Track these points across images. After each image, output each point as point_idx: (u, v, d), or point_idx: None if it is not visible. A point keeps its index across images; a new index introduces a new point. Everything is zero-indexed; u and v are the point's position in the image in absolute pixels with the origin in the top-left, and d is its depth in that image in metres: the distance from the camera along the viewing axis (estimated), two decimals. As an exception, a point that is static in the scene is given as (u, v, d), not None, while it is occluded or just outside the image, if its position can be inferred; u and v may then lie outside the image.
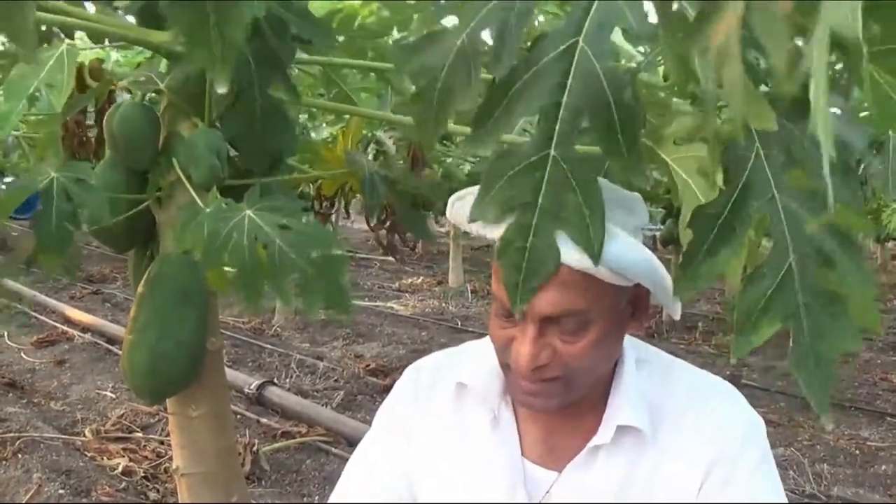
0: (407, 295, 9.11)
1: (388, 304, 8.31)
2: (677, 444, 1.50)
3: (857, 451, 4.78)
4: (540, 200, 1.03)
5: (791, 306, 1.05)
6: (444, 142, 5.96)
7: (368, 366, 5.72)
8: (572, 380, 1.42)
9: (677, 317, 1.55)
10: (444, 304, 8.43)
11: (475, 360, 1.62)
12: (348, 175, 2.58)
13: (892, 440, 4.95)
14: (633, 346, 1.57)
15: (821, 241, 1.04)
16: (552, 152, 1.00)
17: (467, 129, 1.04)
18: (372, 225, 2.85)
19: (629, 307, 1.45)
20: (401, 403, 1.70)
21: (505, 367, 1.46)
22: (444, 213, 8.35)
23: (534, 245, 1.06)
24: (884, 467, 4.58)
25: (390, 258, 11.44)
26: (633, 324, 1.48)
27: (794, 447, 4.58)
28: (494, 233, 1.41)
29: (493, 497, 1.55)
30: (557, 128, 0.98)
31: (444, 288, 9.49)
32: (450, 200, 1.50)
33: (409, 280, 10.14)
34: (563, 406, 1.48)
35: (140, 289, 2.14)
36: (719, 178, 1.01)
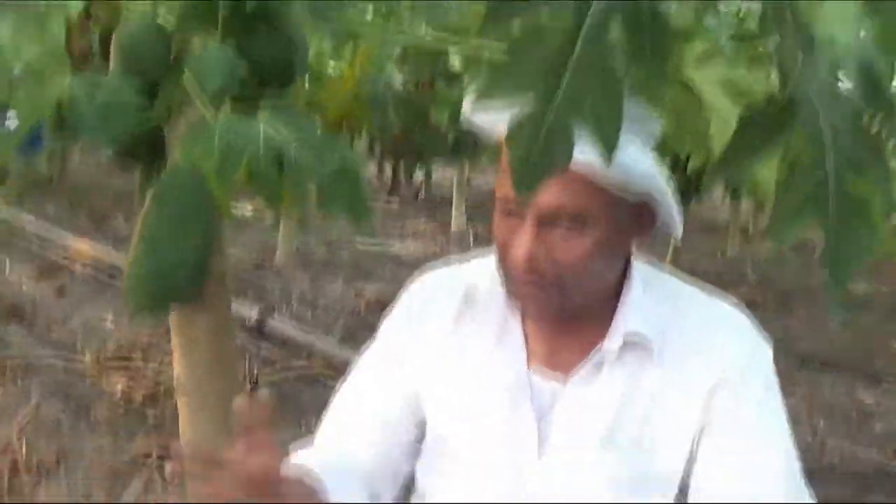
0: (409, 238, 9.10)
1: (390, 247, 8.31)
2: (682, 367, 1.51)
3: (853, 411, 4.81)
4: (560, 92, 1.02)
5: (825, 211, 1.06)
6: (451, 83, 5.96)
7: (369, 303, 5.74)
8: (568, 285, 1.43)
9: (679, 236, 1.56)
10: (445, 248, 8.42)
11: (481, 271, 1.63)
12: (356, 106, 2.58)
13: (888, 403, 4.98)
14: (642, 268, 1.58)
15: (854, 150, 1.05)
16: (579, 45, 0.99)
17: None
18: (378, 152, 2.85)
19: (633, 224, 1.46)
20: (405, 315, 1.70)
21: (505, 269, 1.47)
22: (448, 160, 8.27)
23: (547, 134, 1.05)
24: (878, 426, 4.61)
25: (393, 204, 11.48)
26: (637, 242, 1.50)
27: (791, 399, 4.60)
28: (502, 126, 1.41)
29: (499, 410, 1.56)
30: (587, 22, 0.98)
31: (447, 233, 9.49)
32: (466, 99, 1.50)
33: (412, 224, 10.13)
34: (561, 313, 1.49)
35: (146, 202, 2.14)
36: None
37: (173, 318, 2.37)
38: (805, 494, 1.54)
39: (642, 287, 1.55)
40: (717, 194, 12.48)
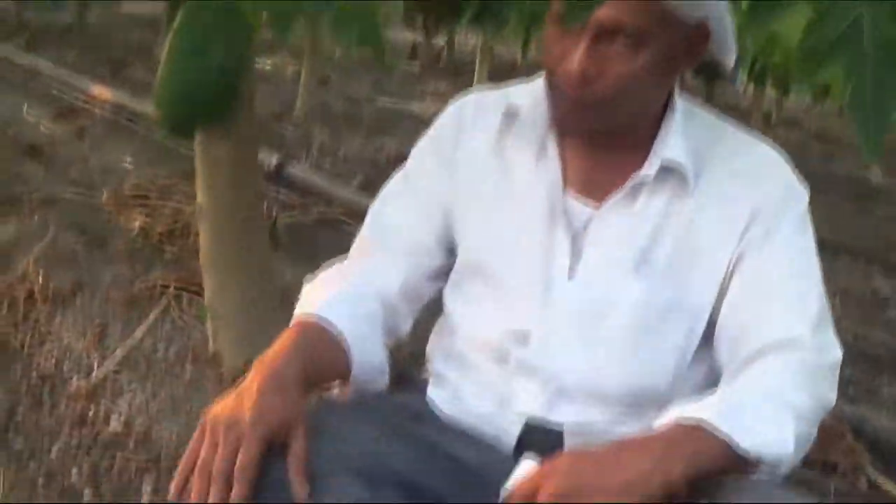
0: (430, 98, 9.04)
1: (411, 106, 8.26)
2: (718, 199, 1.51)
3: (869, 297, 4.83)
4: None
5: (857, 53, 1.02)
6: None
7: (388, 157, 5.72)
8: (616, 103, 1.44)
9: (730, 65, 1.55)
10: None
11: (523, 93, 1.62)
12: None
13: (905, 293, 5.00)
14: (684, 103, 1.58)
15: (894, -4, 1.01)
16: None
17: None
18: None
19: (686, 47, 1.46)
20: (443, 135, 1.69)
21: (553, 86, 1.46)
22: (472, 23, 8.19)
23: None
24: (892, 312, 4.64)
25: (414, 68, 11.38)
26: (685, 64, 1.49)
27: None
28: None
29: (532, 230, 1.55)
30: None
31: (468, 97, 9.41)
32: None
33: (433, 86, 10.06)
34: (604, 132, 1.49)
35: (175, 23, 2.10)
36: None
37: (199, 141, 2.35)
38: (831, 335, 1.54)
39: (683, 119, 1.54)
40: (740, 80, 12.39)
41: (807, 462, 2.62)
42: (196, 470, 1.27)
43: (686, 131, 1.53)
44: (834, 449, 2.84)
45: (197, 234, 3.16)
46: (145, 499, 2.28)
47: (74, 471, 2.38)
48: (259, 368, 1.35)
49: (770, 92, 10.58)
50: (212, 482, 1.25)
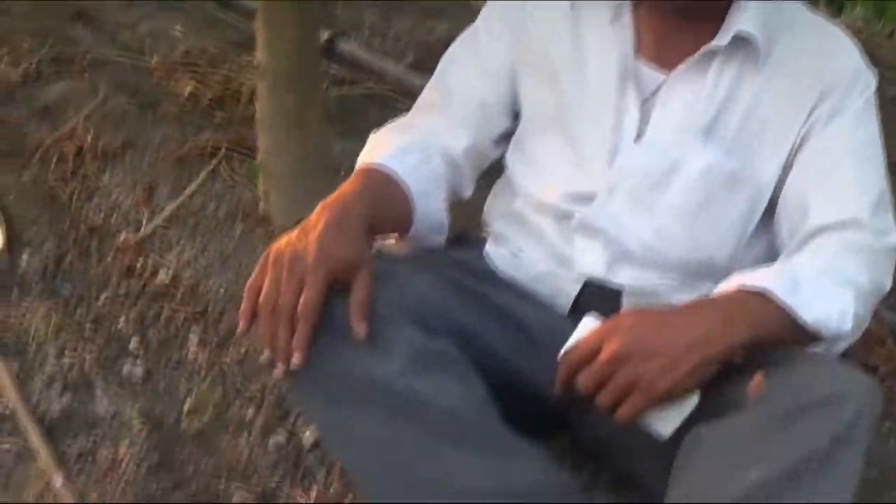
0: (482, -12, 8.93)
1: (462, -6, 8.15)
2: (789, 72, 1.51)
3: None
4: None
5: None
6: None
7: (439, 39, 5.64)
8: None
9: None
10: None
11: None
12: None
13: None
14: None
15: None
16: None
17: None
18: None
19: None
20: None
21: None
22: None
23: None
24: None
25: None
26: None
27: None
28: None
29: (603, 91, 1.55)
30: None
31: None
32: None
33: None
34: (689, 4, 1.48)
35: None
36: None
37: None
38: (890, 219, 1.54)
39: None
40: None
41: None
42: (261, 307, 1.27)
43: (760, 6, 1.52)
44: (875, 353, 2.84)
45: (249, 101, 3.15)
46: (192, 348, 2.31)
47: (122, 319, 2.42)
48: (325, 208, 1.34)
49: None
50: (278, 321, 1.26)
